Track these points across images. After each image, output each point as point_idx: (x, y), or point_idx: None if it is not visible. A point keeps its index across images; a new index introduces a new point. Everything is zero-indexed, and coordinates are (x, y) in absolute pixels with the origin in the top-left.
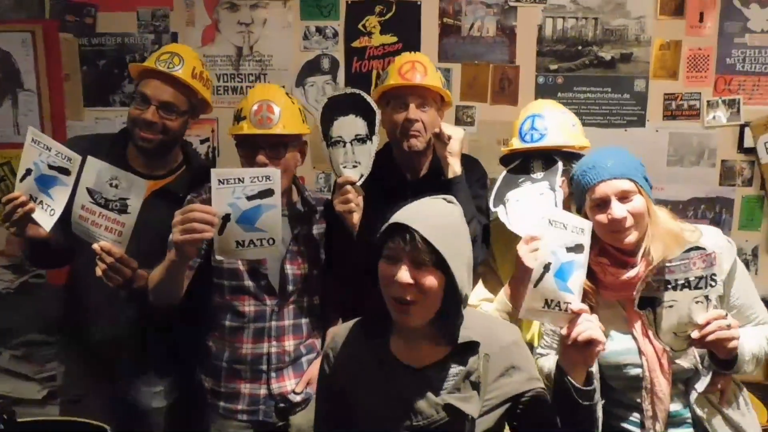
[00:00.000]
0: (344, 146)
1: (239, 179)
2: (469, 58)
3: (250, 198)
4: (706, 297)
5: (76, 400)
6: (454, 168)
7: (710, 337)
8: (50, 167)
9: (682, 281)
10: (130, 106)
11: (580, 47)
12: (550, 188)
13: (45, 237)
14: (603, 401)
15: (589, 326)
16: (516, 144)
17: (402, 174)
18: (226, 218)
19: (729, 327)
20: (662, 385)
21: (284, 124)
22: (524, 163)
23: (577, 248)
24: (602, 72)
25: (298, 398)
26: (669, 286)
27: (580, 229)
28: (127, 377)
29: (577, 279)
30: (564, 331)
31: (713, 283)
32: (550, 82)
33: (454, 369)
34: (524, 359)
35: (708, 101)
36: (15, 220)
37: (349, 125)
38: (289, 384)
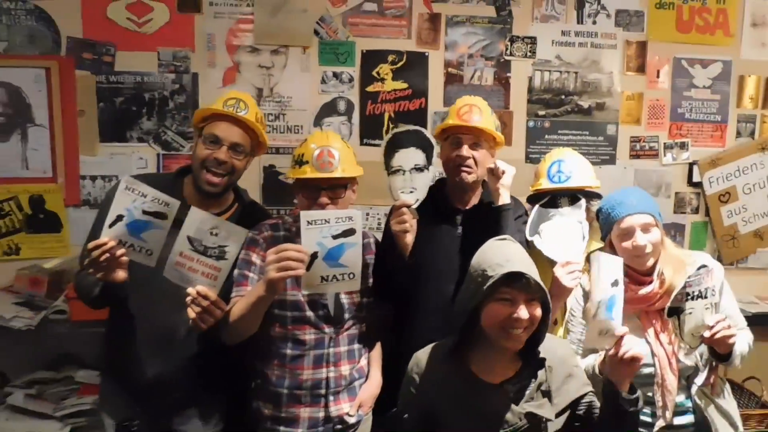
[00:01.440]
0: (403, 174)
1: (326, 220)
2: None
3: (335, 237)
4: (712, 304)
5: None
6: (504, 198)
7: (717, 336)
8: (145, 213)
9: (697, 292)
10: (194, 148)
11: (563, 96)
12: (578, 221)
13: (122, 281)
14: None
15: (632, 345)
16: (545, 184)
17: (452, 203)
18: (314, 255)
19: (729, 327)
20: (671, 380)
21: (343, 168)
22: (552, 200)
23: (616, 283)
24: (581, 118)
25: (353, 420)
26: (689, 297)
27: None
28: (176, 410)
29: (619, 308)
30: (612, 351)
31: (714, 293)
32: (539, 126)
33: (527, 381)
34: (577, 368)
35: (665, 143)
36: (103, 265)
37: (409, 156)
38: (345, 407)
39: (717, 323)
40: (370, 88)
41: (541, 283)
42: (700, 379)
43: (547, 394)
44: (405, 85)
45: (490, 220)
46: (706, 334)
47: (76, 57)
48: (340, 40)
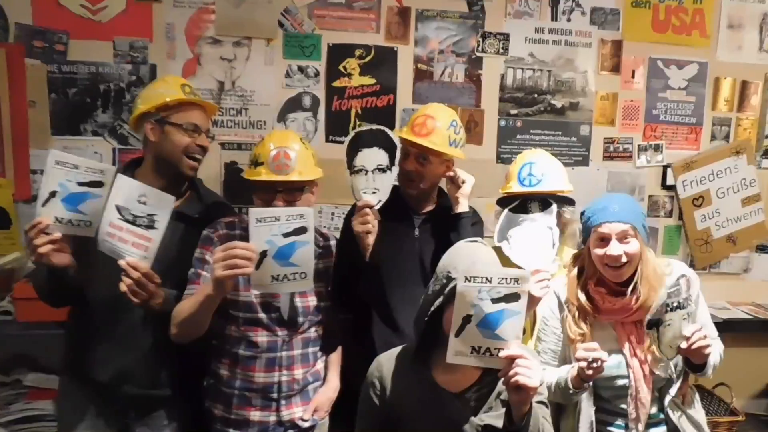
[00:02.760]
0: (366, 174)
1: (276, 218)
2: (440, 101)
3: (286, 235)
4: (689, 314)
5: None
6: (463, 206)
7: (694, 346)
8: (80, 184)
9: (676, 303)
10: (164, 137)
11: (536, 95)
12: (549, 227)
13: (67, 265)
14: (594, 408)
15: (521, 371)
16: (515, 188)
17: (410, 207)
18: (263, 254)
19: (705, 337)
20: (644, 392)
21: (300, 170)
22: (522, 204)
23: (508, 298)
24: (554, 117)
25: (306, 425)
26: (668, 309)
27: (514, 280)
28: (136, 407)
29: (510, 326)
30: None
31: (690, 302)
32: (511, 125)
33: (487, 390)
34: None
35: (639, 145)
36: (40, 247)
37: (372, 156)
38: (297, 411)
39: (694, 334)
40: (336, 83)
41: None
42: (673, 390)
43: (505, 403)
44: (373, 81)
45: (447, 226)
46: (683, 345)
47: (27, 45)
48: (305, 33)
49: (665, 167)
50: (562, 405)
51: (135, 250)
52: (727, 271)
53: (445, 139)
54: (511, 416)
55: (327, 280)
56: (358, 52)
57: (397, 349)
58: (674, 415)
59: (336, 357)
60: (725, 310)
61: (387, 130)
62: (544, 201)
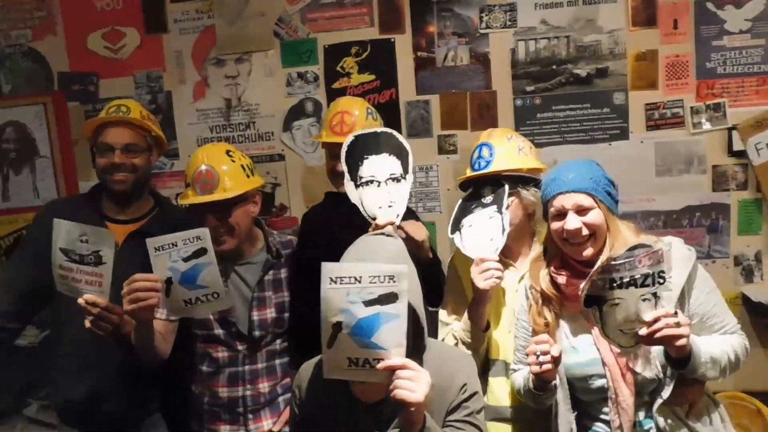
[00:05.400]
0: (378, 186)
1: (173, 244)
2: (446, 88)
3: (186, 260)
4: (654, 294)
5: None
6: None
7: (658, 334)
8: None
9: (628, 279)
10: (95, 163)
11: (554, 66)
12: (497, 211)
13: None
14: (575, 413)
15: (401, 384)
16: (468, 173)
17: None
18: (169, 281)
19: (678, 325)
20: (626, 396)
21: (225, 187)
22: (477, 190)
23: (383, 299)
24: (579, 88)
25: None
26: (614, 285)
27: (388, 277)
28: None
29: (389, 332)
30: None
31: (661, 281)
32: (528, 104)
33: None
34: (470, 380)
35: (691, 107)
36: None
37: (382, 164)
38: (266, 424)
39: (659, 320)
40: (336, 85)
41: None
42: (665, 393)
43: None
44: (372, 77)
45: None
46: (642, 331)
47: (67, 90)
48: (300, 39)
49: (730, 130)
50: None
51: (89, 287)
52: None
53: (368, 129)
54: None
55: (287, 289)
56: (353, 50)
57: (320, 356)
58: (667, 425)
59: None
60: None
61: (395, 132)
62: (498, 183)
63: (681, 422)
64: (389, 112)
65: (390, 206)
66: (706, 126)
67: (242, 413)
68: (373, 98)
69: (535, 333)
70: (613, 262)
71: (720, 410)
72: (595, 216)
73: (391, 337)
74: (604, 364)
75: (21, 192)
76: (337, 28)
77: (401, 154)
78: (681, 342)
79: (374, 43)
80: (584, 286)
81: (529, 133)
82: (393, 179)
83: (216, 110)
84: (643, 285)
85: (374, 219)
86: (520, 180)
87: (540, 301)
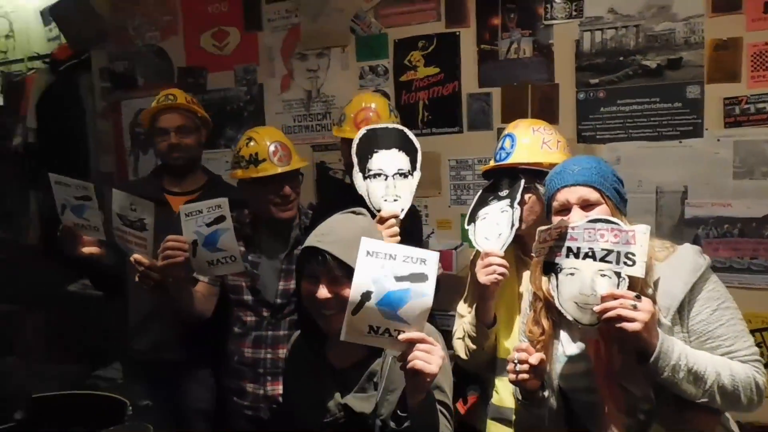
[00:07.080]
0: (385, 179)
1: (199, 211)
2: (508, 81)
3: (209, 225)
4: (617, 274)
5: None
6: None
7: (610, 313)
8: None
9: (586, 250)
10: (155, 145)
11: (621, 58)
12: (510, 206)
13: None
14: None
15: (420, 356)
16: (491, 164)
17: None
18: (195, 243)
19: (635, 308)
20: (613, 413)
21: (297, 159)
22: (496, 182)
23: (416, 277)
24: (648, 81)
25: None
26: (571, 253)
27: (420, 259)
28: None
29: (415, 308)
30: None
31: (630, 263)
32: (591, 97)
33: (366, 370)
34: None
35: None
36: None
37: (391, 159)
38: (280, 388)
39: (614, 297)
40: (403, 78)
41: (353, 263)
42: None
43: (377, 387)
44: (437, 70)
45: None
46: (597, 308)
47: (185, 82)
48: (373, 34)
49: None
50: None
51: (136, 248)
52: None
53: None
54: (405, 403)
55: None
56: (420, 44)
57: None
58: None
59: None
60: None
61: (406, 130)
62: (516, 177)
63: None
64: (451, 105)
65: (395, 200)
66: None
67: (262, 374)
68: (437, 91)
69: (529, 341)
70: (570, 230)
71: None
72: (601, 212)
73: (415, 313)
74: (593, 372)
75: (148, 169)
76: (406, 23)
77: (411, 151)
78: (633, 326)
79: (440, 36)
80: (538, 248)
81: (591, 128)
82: (401, 174)
83: (298, 101)
84: (603, 260)
85: (379, 211)
86: (539, 175)
87: (539, 308)
